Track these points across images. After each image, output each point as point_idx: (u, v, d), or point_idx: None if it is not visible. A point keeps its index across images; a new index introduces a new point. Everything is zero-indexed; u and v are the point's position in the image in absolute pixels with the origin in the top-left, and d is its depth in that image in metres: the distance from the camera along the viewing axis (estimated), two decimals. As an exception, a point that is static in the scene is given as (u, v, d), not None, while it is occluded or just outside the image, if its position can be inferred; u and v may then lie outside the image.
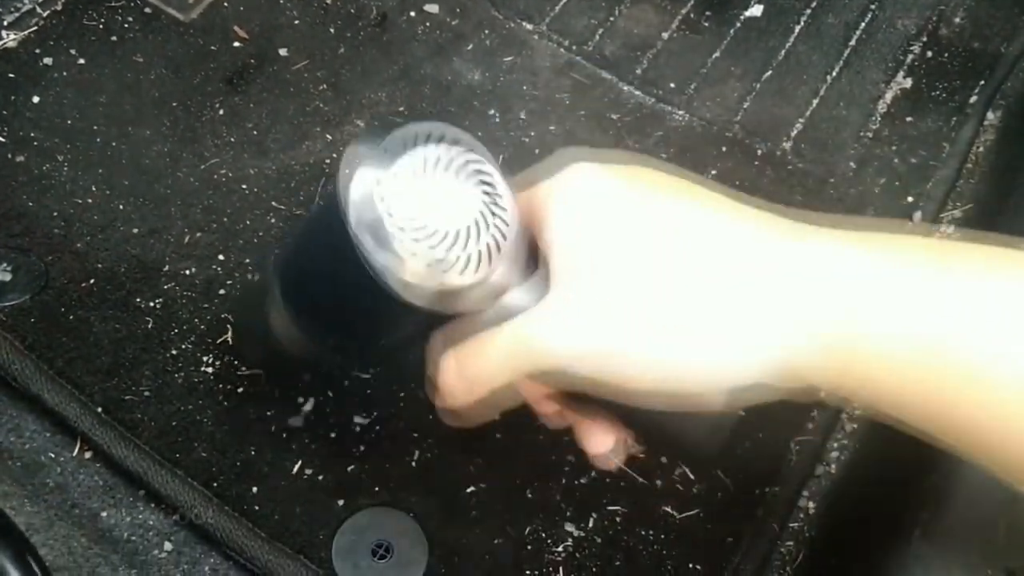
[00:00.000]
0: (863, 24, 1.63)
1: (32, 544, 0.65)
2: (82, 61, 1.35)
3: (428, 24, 1.52)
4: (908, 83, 1.56)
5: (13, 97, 1.29)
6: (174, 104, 1.34)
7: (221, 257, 1.23)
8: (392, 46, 1.48)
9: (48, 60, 1.34)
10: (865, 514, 1.09)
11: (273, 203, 1.28)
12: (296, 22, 1.47)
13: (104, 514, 1.05)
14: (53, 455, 1.07)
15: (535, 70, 1.49)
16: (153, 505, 1.06)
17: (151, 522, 1.06)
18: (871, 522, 1.05)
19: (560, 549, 1.09)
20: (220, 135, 1.33)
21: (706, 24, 1.62)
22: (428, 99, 1.42)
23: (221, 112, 1.35)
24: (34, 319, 1.14)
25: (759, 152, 1.46)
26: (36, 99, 1.30)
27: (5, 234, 1.18)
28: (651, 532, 1.12)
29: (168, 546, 1.05)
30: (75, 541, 1.03)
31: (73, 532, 1.03)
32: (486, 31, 1.53)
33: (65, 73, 1.33)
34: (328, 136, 1.35)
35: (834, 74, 1.57)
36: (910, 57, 1.60)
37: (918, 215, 1.40)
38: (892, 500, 1.02)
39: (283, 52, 1.43)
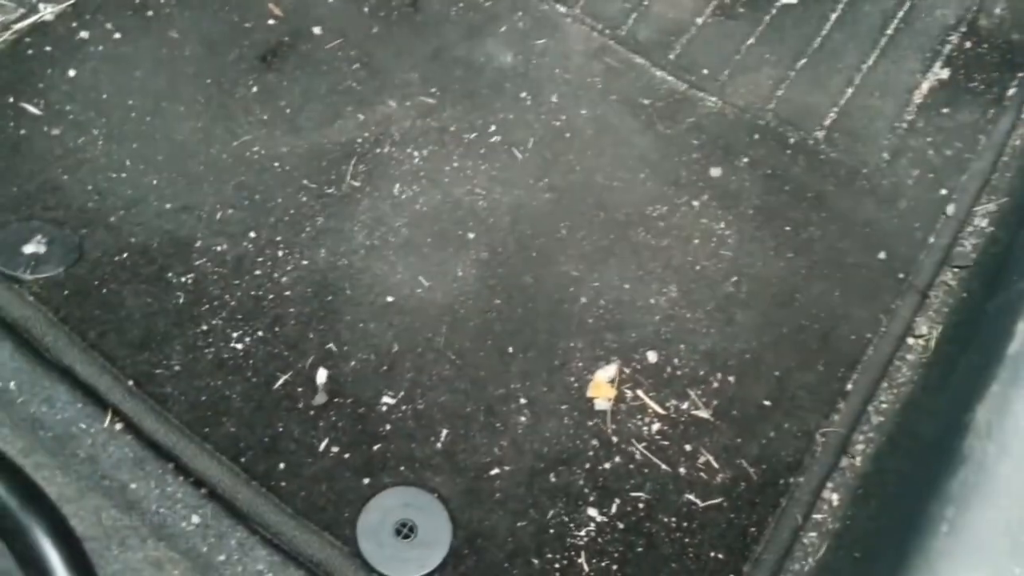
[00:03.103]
0: (901, 13, 1.61)
1: (67, 521, 0.66)
2: (118, 36, 1.36)
3: (461, 5, 1.51)
4: (945, 74, 1.54)
5: (49, 70, 1.30)
6: (208, 81, 1.34)
7: (252, 234, 1.23)
8: (425, 27, 1.47)
9: (84, 34, 1.34)
10: (891, 508, 1.08)
11: (305, 181, 1.29)
12: (330, 1, 1.47)
13: (133, 486, 1.07)
14: (84, 426, 1.08)
15: (568, 54, 1.48)
16: (181, 478, 1.08)
17: (179, 495, 1.07)
18: (897, 517, 1.05)
19: (582, 534, 1.10)
20: (253, 112, 1.33)
21: (741, 10, 1.60)
22: (460, 80, 1.42)
23: (255, 89, 1.35)
24: (67, 291, 1.15)
25: (791, 140, 1.45)
26: (72, 72, 1.30)
27: (40, 207, 1.20)
28: (673, 520, 1.12)
29: (196, 519, 1.06)
30: (105, 512, 1.04)
31: (104, 503, 1.04)
32: (519, 13, 1.52)
33: (101, 47, 1.34)
34: (360, 116, 1.35)
35: (870, 63, 1.54)
36: (948, 47, 1.57)
37: (951, 208, 1.39)
38: (919, 495, 1.01)
39: (317, 31, 1.43)
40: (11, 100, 1.27)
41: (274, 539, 1.06)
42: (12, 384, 1.08)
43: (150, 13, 1.40)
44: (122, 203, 1.22)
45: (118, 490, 1.05)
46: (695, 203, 1.36)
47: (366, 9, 1.47)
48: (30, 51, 1.32)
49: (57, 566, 0.61)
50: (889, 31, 1.59)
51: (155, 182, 1.25)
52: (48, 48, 1.33)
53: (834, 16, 1.60)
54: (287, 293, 1.20)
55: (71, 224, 1.20)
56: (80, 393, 1.10)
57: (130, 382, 1.11)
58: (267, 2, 1.42)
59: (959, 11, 1.62)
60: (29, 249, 1.17)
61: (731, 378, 1.21)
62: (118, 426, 1.09)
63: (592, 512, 1.11)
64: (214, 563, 1.05)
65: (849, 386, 1.22)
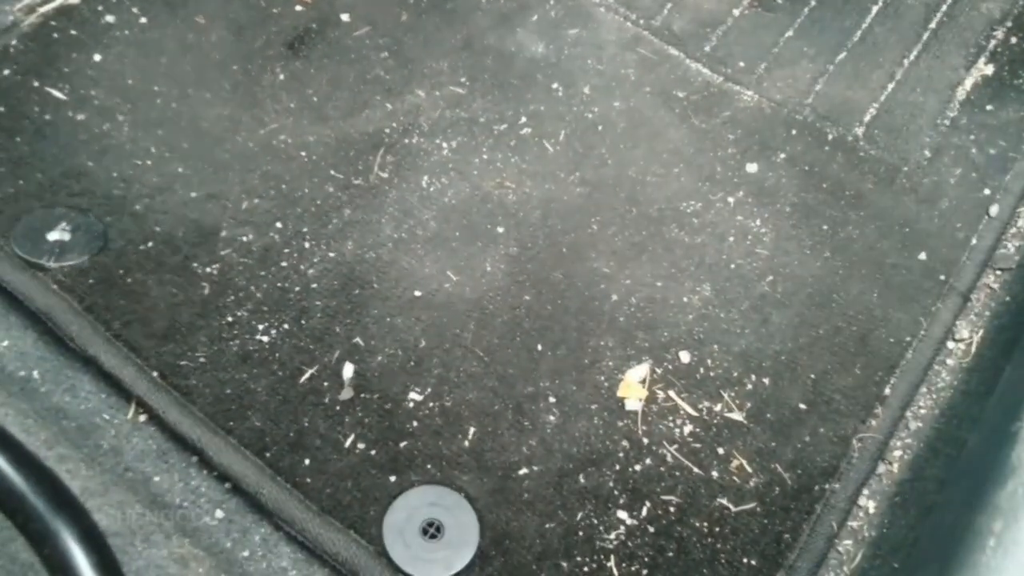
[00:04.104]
0: (944, 6, 1.57)
1: (96, 526, 0.64)
2: (144, 20, 1.33)
3: (492, -8, 1.48)
4: (990, 69, 1.50)
5: (75, 55, 1.27)
6: (234, 67, 1.32)
7: (279, 224, 1.21)
8: (455, 15, 1.44)
9: (110, 18, 1.32)
10: (931, 518, 1.05)
11: (332, 171, 1.26)
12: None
13: (157, 479, 1.05)
14: (108, 417, 1.06)
15: (601, 44, 1.45)
16: (205, 472, 1.06)
17: (203, 489, 1.05)
18: (938, 528, 1.02)
19: (612, 537, 1.07)
20: (280, 100, 1.31)
21: (779, 1, 1.56)
22: (490, 70, 1.39)
23: (282, 77, 1.33)
24: (92, 280, 1.13)
25: (830, 137, 1.41)
26: (98, 57, 1.28)
27: (65, 193, 1.18)
28: (705, 524, 1.09)
29: (219, 514, 1.04)
30: (130, 508, 1.02)
31: (128, 498, 1.02)
32: (551, 2, 1.49)
33: (127, 32, 1.32)
34: (388, 105, 1.33)
35: (912, 58, 1.50)
36: (993, 42, 1.53)
37: (995, 208, 1.35)
38: (963, 506, 0.98)
39: (345, 18, 1.40)
40: (36, 84, 1.25)
41: (299, 536, 1.04)
42: (36, 373, 1.07)
43: (178, -3, 1.37)
44: (147, 191, 1.20)
45: (142, 483, 1.04)
46: (730, 199, 1.33)
47: (396, -5, 1.45)
48: (55, 34, 1.30)
49: (86, 571, 0.59)
50: (932, 25, 1.54)
51: (181, 170, 1.23)
52: (74, 32, 1.31)
53: (875, 9, 1.56)
54: (313, 285, 1.17)
55: (96, 211, 1.18)
56: (104, 384, 1.08)
57: (154, 373, 1.09)
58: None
59: (1005, 5, 1.58)
60: (53, 236, 1.15)
61: (766, 380, 1.18)
62: (142, 418, 1.07)
63: (622, 515, 1.08)
64: (238, 559, 1.03)
65: (887, 390, 1.19)
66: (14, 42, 1.27)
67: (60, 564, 0.60)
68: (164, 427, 1.06)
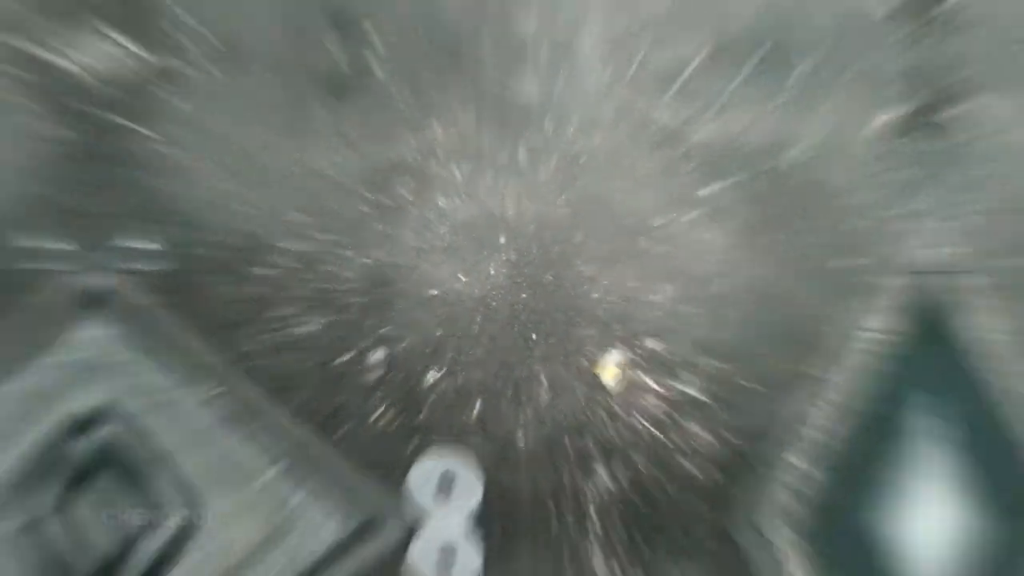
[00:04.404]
0: (866, 55, 1.82)
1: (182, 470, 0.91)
2: (216, 73, 1.57)
3: (495, 44, 1.73)
4: (903, 109, 1.75)
5: (164, 101, 1.51)
6: (283, 105, 1.56)
7: (320, 236, 1.46)
8: (466, 61, 1.69)
9: (193, 73, 1.54)
10: (850, 475, 1.31)
11: (364, 192, 1.52)
12: (387, 39, 1.69)
13: (227, 440, 1.30)
14: (188, 391, 1.31)
15: (585, 90, 1.71)
16: (265, 435, 1.31)
17: (263, 449, 1.30)
18: (869, 486, 1.27)
19: (592, 494, 1.32)
20: (320, 132, 1.55)
21: (727, 58, 1.81)
22: (494, 109, 1.64)
23: (322, 112, 1.57)
24: (171, 283, 1.38)
25: (773, 166, 1.66)
26: (178, 103, 1.52)
27: (147, 212, 1.43)
28: (670, 485, 1.34)
29: (278, 467, 1.29)
30: (205, 463, 1.27)
31: (204, 455, 1.28)
32: (545, 53, 1.74)
33: (204, 83, 1.54)
34: (410, 138, 1.58)
35: (839, 99, 1.76)
36: (904, 84, 1.78)
37: (909, 224, 1.61)
38: (890, 467, 1.24)
39: (374, 62, 1.64)
40: (132, 125, 1.48)
41: (339, 488, 1.28)
42: (128, 357, 1.32)
43: (242, 55, 1.59)
44: (215, 210, 1.45)
45: (215, 443, 1.28)
46: (691, 217, 1.59)
47: (417, 46, 1.69)
48: (151, 87, 1.53)
49: (176, 508, 0.85)
50: (852, 74, 1.80)
51: (242, 192, 1.48)
52: (161, 83, 1.53)
53: (807, 63, 1.81)
54: (349, 286, 1.43)
55: (177, 228, 1.43)
56: (186, 364, 1.33)
57: (224, 356, 1.34)
58: (331, 42, 1.64)
59: (917, 52, 1.83)
60: (139, 246, 1.40)
61: (721, 364, 1.43)
62: (215, 392, 1.32)
63: (601, 475, 1.33)
64: (290, 507, 1.28)
65: (823, 373, 1.44)
66: (116, 93, 1.51)
67: (154, 504, 0.86)
68: (234, 398, 1.31)
